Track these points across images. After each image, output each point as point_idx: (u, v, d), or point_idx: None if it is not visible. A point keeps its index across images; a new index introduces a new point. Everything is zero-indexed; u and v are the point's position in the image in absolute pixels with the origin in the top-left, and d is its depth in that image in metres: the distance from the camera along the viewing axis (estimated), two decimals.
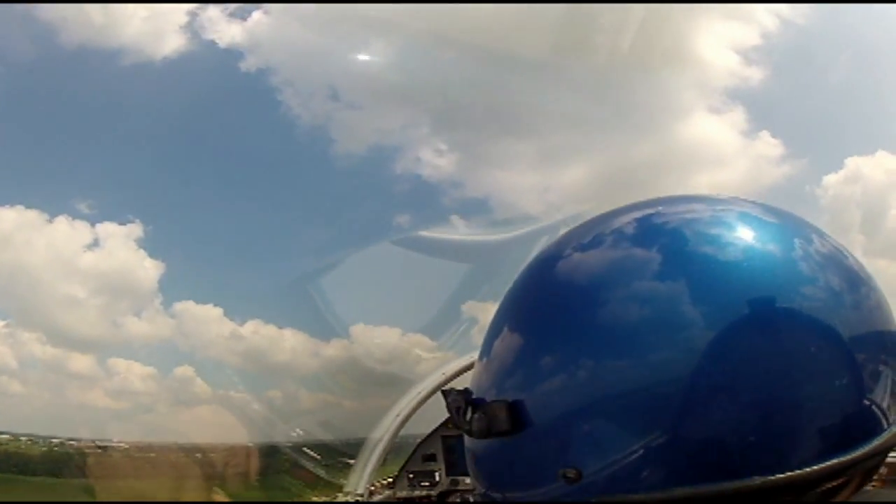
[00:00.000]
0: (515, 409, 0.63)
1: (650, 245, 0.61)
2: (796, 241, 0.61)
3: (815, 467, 0.55)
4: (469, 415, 0.67)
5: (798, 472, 0.55)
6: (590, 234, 0.67)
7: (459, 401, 0.69)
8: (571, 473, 0.59)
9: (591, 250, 0.66)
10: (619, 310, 0.59)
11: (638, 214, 0.65)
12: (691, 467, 0.56)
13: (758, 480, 0.54)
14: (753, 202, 0.66)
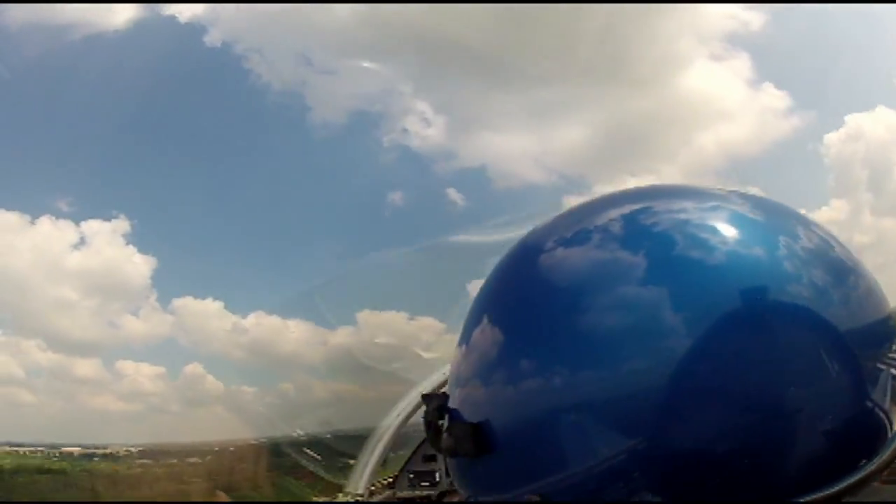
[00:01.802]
0: (480, 432, 0.62)
1: (636, 249, 0.59)
2: (782, 239, 0.59)
3: (823, 493, 0.53)
4: (442, 429, 0.69)
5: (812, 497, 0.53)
6: (576, 229, 0.66)
7: (434, 415, 0.71)
8: (535, 499, 0.60)
9: (577, 247, 0.64)
10: (601, 317, 0.57)
11: (627, 210, 0.63)
12: (673, 479, 0.54)
13: None
14: (744, 195, 0.64)
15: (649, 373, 0.53)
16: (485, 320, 0.69)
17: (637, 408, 0.54)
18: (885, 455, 0.55)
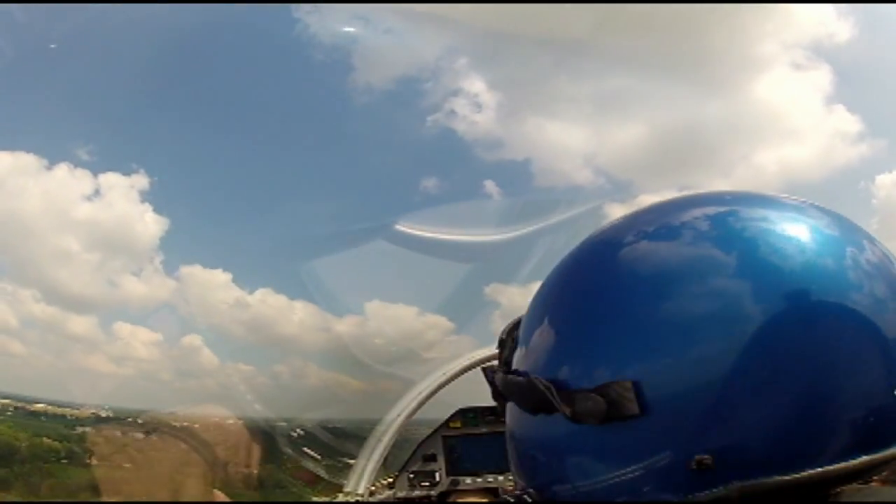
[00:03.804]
0: (640, 389, 0.61)
1: (728, 249, 0.66)
2: (849, 251, 0.68)
3: (845, 463, 0.60)
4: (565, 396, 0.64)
5: (833, 467, 0.59)
6: (663, 223, 0.71)
7: (542, 381, 0.66)
8: (707, 460, 0.60)
9: (666, 242, 0.70)
10: (693, 304, 0.64)
11: (714, 211, 0.70)
12: (737, 459, 0.60)
13: (808, 472, 0.58)
14: (821, 210, 0.73)
15: (729, 353, 0.61)
16: (547, 318, 0.72)
17: (706, 393, 0.61)
18: None
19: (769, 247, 0.66)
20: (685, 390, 0.62)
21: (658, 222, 0.72)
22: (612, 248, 0.73)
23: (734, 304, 0.63)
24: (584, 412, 0.63)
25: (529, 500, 0.75)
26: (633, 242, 0.71)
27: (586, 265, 0.75)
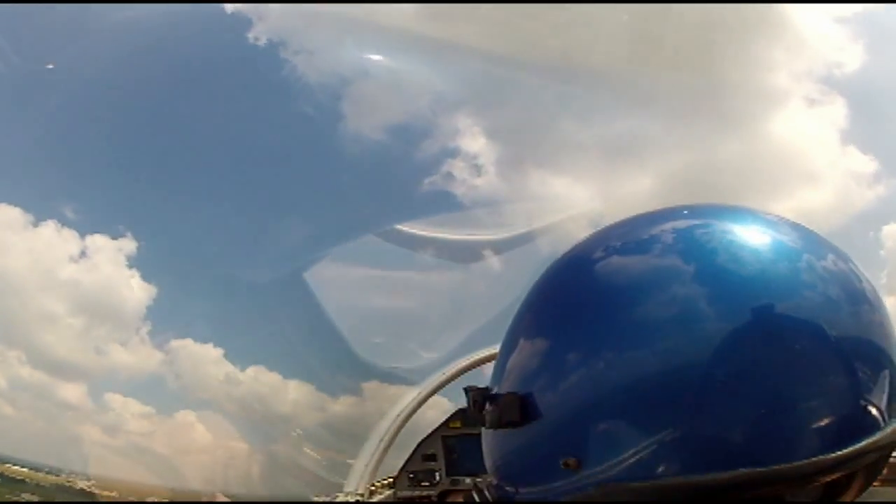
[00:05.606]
0: (527, 401, 0.69)
1: (687, 258, 0.69)
2: (806, 257, 0.70)
3: (811, 460, 0.60)
4: (485, 407, 0.75)
5: (794, 464, 0.60)
6: (632, 239, 0.75)
7: (478, 396, 0.77)
8: (571, 462, 0.64)
9: (636, 255, 0.73)
10: (652, 309, 0.66)
11: (683, 224, 0.74)
12: (697, 462, 0.61)
13: (752, 471, 0.60)
14: (792, 226, 0.75)
15: (687, 354, 0.62)
16: (522, 340, 0.76)
17: (675, 390, 0.62)
18: (867, 441, 0.63)
19: (728, 255, 0.68)
20: (575, 398, 0.66)
21: (625, 237, 0.76)
22: (568, 265, 0.78)
23: (691, 308, 0.65)
24: (490, 420, 0.73)
25: (486, 495, 0.81)
26: (603, 258, 0.75)
27: (545, 282, 0.80)
